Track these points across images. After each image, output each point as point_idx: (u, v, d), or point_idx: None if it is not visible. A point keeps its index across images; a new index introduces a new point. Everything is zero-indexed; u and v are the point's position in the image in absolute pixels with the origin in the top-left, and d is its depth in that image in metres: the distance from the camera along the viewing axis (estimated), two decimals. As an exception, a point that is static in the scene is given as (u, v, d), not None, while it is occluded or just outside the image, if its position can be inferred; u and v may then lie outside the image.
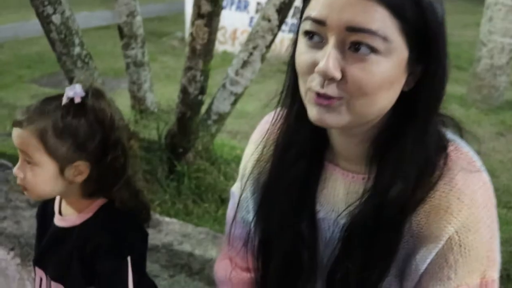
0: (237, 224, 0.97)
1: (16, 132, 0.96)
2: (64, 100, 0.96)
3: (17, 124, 0.96)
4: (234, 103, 3.00)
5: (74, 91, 0.95)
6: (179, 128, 2.67)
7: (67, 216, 1.05)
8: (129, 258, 0.97)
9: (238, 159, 3.25)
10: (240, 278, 0.99)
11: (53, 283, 1.05)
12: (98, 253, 0.98)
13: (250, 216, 0.93)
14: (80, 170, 0.98)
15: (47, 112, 0.96)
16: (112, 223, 1.01)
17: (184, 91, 2.64)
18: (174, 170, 2.70)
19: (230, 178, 3.02)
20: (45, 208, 1.13)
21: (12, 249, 1.89)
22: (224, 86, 2.92)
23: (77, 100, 0.95)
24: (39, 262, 1.10)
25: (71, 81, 2.52)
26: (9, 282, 1.92)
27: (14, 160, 2.26)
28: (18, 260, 1.86)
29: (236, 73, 2.86)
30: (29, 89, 5.07)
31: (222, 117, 3.04)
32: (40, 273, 1.09)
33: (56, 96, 0.99)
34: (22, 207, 2.20)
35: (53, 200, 1.09)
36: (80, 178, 0.99)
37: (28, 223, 2.07)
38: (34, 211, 2.25)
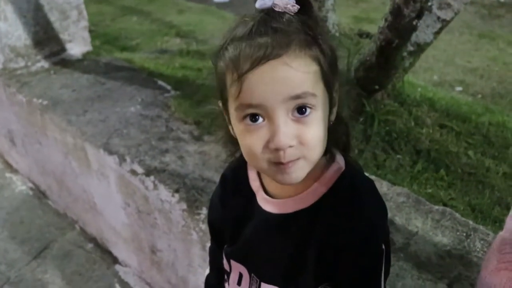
0: None
1: None
2: None
3: None
4: (438, 32, 2.39)
5: None
6: (379, 60, 2.14)
7: None
8: None
9: (430, 102, 2.77)
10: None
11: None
12: None
13: None
14: None
15: None
16: None
17: (396, 12, 2.08)
18: (361, 111, 2.21)
19: (423, 124, 2.51)
20: None
21: (176, 191, 1.62)
22: (429, 9, 2.30)
23: None
24: None
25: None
26: (171, 227, 1.67)
27: (172, 82, 1.95)
28: (183, 206, 1.59)
29: (449, -7, 2.22)
30: (176, 4, 4.89)
31: (420, 49, 2.42)
32: None
33: None
34: (185, 139, 1.93)
35: None
36: None
37: (193, 160, 1.78)
38: (198, 146, 1.99)
